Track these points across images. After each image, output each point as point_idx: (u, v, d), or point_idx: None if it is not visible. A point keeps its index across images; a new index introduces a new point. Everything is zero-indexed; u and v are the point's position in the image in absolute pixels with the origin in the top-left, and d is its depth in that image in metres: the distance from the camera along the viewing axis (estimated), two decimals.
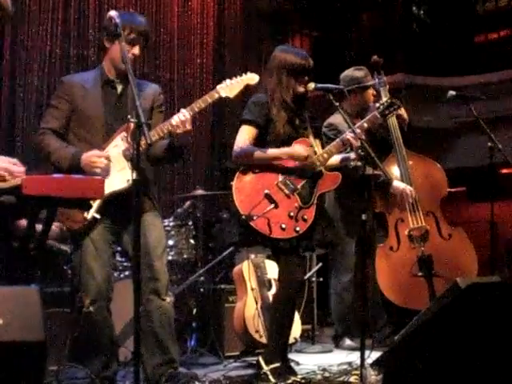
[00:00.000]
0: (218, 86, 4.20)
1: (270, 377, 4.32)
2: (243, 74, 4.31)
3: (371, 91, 5.82)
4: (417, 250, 5.35)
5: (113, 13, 3.69)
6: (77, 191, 3.23)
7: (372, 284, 5.52)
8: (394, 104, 4.66)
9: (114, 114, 4.16)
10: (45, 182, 3.15)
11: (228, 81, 4.22)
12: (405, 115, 5.58)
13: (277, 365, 4.37)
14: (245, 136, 4.43)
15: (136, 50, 4.12)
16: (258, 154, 4.37)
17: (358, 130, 4.41)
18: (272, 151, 4.39)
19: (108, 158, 4.02)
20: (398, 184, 5.48)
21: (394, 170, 5.59)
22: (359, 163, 4.46)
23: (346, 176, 4.67)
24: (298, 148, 4.41)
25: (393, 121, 5.54)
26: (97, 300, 4.09)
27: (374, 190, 5.43)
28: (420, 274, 5.25)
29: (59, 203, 3.41)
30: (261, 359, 4.41)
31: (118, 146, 4.09)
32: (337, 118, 5.54)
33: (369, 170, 4.42)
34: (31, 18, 6.70)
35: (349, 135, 4.42)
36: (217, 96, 4.17)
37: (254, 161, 4.39)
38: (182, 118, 4.00)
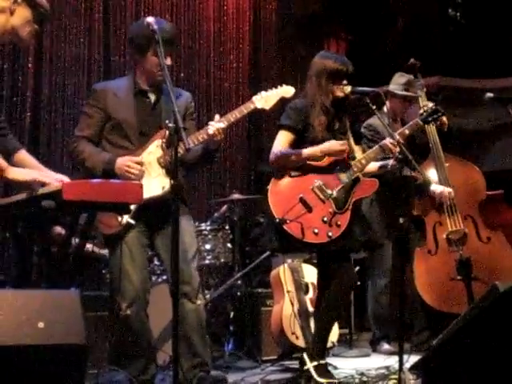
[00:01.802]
0: (254, 98, 4.23)
1: (313, 373, 4.33)
2: (279, 86, 4.34)
3: (405, 101, 5.82)
4: (455, 254, 5.31)
5: (150, 19, 3.71)
6: (116, 196, 3.27)
7: (410, 288, 5.50)
8: (438, 111, 4.65)
9: (148, 122, 4.21)
10: (85, 186, 3.20)
11: (264, 92, 4.25)
12: (444, 118, 5.54)
13: (320, 362, 4.39)
14: (282, 141, 4.44)
15: (168, 61, 4.05)
16: (294, 154, 4.38)
17: (398, 137, 4.40)
18: (307, 149, 4.39)
19: (141, 164, 4.06)
20: (435, 187, 5.46)
21: (432, 174, 5.57)
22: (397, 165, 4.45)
23: (384, 179, 4.66)
24: (333, 143, 4.40)
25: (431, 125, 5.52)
26: (134, 303, 4.12)
27: (413, 193, 5.42)
28: (459, 277, 5.21)
29: (99, 208, 3.45)
30: (305, 355, 4.43)
31: (152, 152, 4.13)
32: (376, 120, 5.53)
33: (406, 172, 4.41)
34: (68, 25, 6.76)
35: (388, 142, 4.42)
36: (252, 107, 4.21)
37: (290, 162, 4.38)
38: (217, 127, 4.04)
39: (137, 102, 4.23)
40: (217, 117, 4.11)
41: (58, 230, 4.89)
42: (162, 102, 4.24)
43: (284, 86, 4.36)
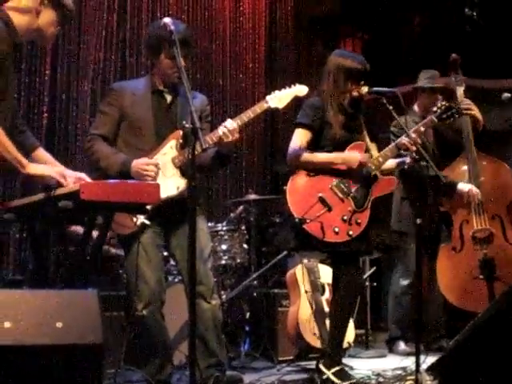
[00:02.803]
0: (268, 97, 4.24)
1: (335, 379, 4.33)
2: (292, 86, 4.33)
3: (435, 95, 5.79)
4: (480, 253, 5.32)
5: (167, 20, 3.70)
6: (133, 196, 3.27)
7: (433, 289, 5.50)
8: (452, 108, 4.63)
9: (164, 123, 4.22)
10: (102, 187, 3.20)
11: (277, 92, 4.25)
12: (479, 116, 5.51)
13: (337, 368, 4.38)
14: (299, 139, 4.45)
15: (183, 62, 4.09)
16: (313, 158, 4.39)
17: (413, 135, 4.40)
18: (326, 156, 4.40)
19: (157, 166, 4.07)
20: (462, 186, 5.45)
21: (463, 170, 5.56)
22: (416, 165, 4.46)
23: (410, 178, 4.66)
24: (352, 154, 4.41)
25: (466, 121, 5.49)
26: (150, 304, 4.13)
27: (439, 193, 5.43)
28: (481, 276, 5.21)
29: (116, 208, 3.46)
30: (321, 365, 4.42)
31: (167, 153, 4.15)
32: (406, 118, 5.52)
33: (432, 172, 4.40)
34: (85, 26, 6.78)
35: (404, 140, 4.41)
36: (266, 106, 4.20)
37: (308, 165, 4.40)
38: (230, 127, 4.04)
39: (154, 101, 4.25)
40: (229, 120, 4.11)
41: (76, 229, 4.91)
42: (177, 102, 4.26)
43: (297, 85, 4.35)
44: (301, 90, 4.34)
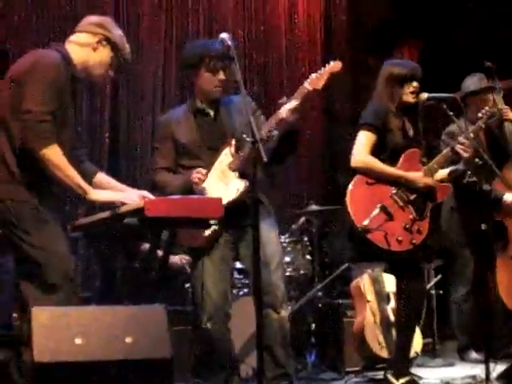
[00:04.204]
0: (305, 82, 4.21)
1: None
2: (327, 64, 4.28)
3: (486, 97, 5.71)
4: None
5: (224, 35, 3.74)
6: (197, 211, 3.32)
7: (494, 295, 5.42)
8: (495, 114, 4.59)
9: (213, 137, 4.28)
10: (166, 203, 3.26)
11: (313, 74, 4.22)
12: None
13: (407, 378, 4.34)
14: (364, 142, 4.39)
15: (221, 75, 4.21)
16: (376, 165, 4.36)
17: (466, 141, 4.37)
18: (391, 170, 4.37)
19: (200, 172, 4.12)
20: (506, 197, 5.35)
21: None
22: (471, 179, 4.43)
23: (462, 187, 4.62)
24: (416, 177, 4.37)
25: (508, 127, 5.42)
26: (213, 317, 4.15)
27: (490, 207, 5.37)
28: None
29: (180, 223, 3.50)
30: (390, 376, 4.39)
31: (223, 161, 4.20)
32: (456, 127, 5.48)
33: (486, 187, 4.36)
34: (143, 47, 6.87)
35: (458, 147, 4.38)
36: (306, 91, 4.16)
37: (370, 170, 4.36)
38: (289, 106, 4.03)
39: (197, 121, 4.32)
40: (284, 99, 4.11)
41: (142, 245, 4.98)
42: (221, 113, 4.31)
43: (331, 62, 4.30)
44: (335, 65, 4.25)
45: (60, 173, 3.36)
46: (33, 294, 3.34)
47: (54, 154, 3.34)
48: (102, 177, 3.79)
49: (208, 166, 4.18)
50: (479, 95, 5.74)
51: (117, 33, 3.73)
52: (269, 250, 4.14)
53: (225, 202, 3.78)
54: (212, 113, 4.33)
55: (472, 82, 5.78)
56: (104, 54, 3.67)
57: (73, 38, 3.70)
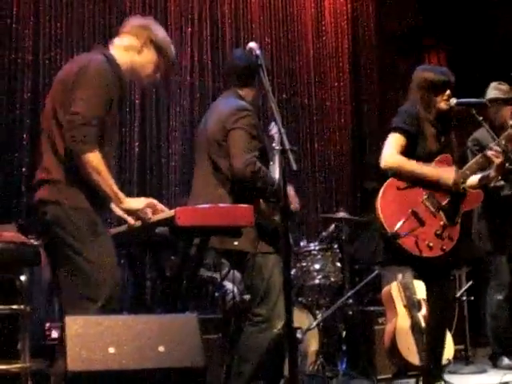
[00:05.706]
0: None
1: None
2: None
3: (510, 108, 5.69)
4: None
5: (253, 44, 3.74)
6: (228, 219, 3.32)
7: None
8: None
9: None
10: (196, 212, 3.27)
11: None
12: None
13: None
14: (394, 144, 4.33)
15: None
16: (407, 164, 4.29)
17: (498, 148, 4.34)
18: (421, 167, 4.30)
19: None
20: None
21: None
22: (499, 183, 4.40)
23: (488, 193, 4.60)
24: (447, 173, 4.34)
25: None
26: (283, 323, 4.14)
27: None
28: None
29: (211, 232, 3.50)
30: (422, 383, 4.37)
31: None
32: (482, 133, 5.44)
33: (507, 192, 4.35)
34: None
35: (489, 152, 4.36)
36: None
37: (401, 170, 4.30)
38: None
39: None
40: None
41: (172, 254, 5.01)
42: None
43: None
44: None
45: (99, 178, 3.29)
46: (72, 306, 3.29)
47: (95, 158, 3.27)
48: None
49: None
50: (504, 105, 5.72)
51: (161, 34, 3.72)
52: None
53: None
54: None
55: (497, 89, 5.75)
56: (149, 56, 3.65)
57: (117, 41, 3.68)
